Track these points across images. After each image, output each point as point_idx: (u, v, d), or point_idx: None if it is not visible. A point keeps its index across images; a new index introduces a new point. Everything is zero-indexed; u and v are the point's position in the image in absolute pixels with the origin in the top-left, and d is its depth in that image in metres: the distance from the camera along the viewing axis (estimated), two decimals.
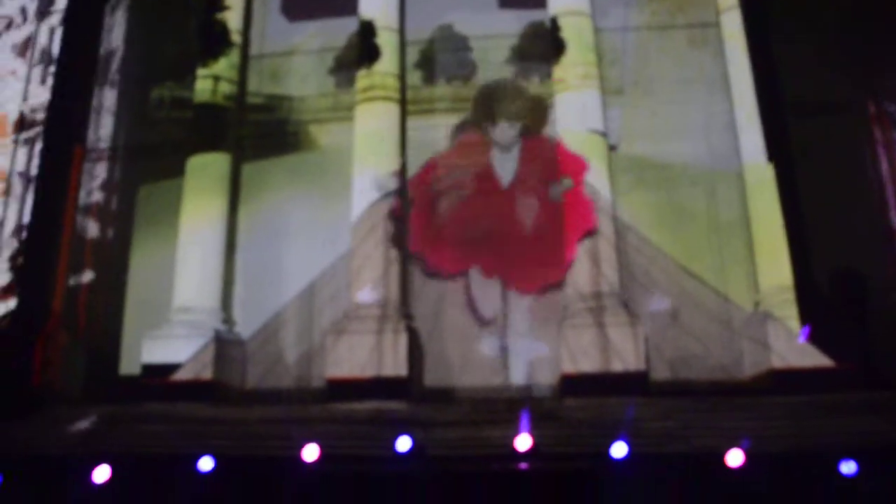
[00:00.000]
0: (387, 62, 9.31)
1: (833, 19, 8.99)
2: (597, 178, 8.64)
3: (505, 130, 9.47)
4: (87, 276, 9.54)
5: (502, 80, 9.73)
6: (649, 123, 9.26)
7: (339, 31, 10.04)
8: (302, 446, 6.32)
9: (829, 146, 8.62)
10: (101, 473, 6.18)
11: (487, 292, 8.90)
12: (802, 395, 7.22)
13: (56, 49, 10.07)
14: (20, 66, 10.18)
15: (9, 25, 10.27)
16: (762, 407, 7.23)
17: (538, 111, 9.51)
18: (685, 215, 8.89)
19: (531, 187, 9.24)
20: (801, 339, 7.55)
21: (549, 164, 9.07)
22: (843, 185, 8.50)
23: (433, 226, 9.21)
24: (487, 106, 9.61)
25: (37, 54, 10.27)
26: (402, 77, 9.44)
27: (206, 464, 6.29)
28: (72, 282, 9.35)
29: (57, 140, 9.59)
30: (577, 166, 8.72)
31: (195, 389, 8.07)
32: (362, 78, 9.28)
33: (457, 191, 9.33)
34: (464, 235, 9.09)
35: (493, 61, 9.82)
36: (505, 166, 9.41)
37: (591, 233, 8.39)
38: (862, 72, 8.93)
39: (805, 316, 7.77)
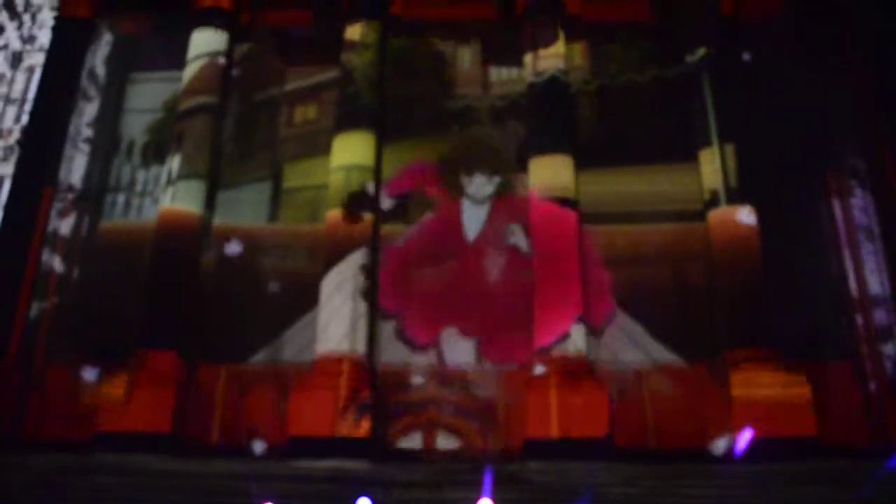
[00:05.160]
0: None
1: (794, 93, 9.38)
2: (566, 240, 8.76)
3: (480, 186, 9.51)
4: (49, 318, 9.33)
5: (484, 133, 9.77)
6: (621, 190, 9.38)
7: None
8: None
9: (791, 216, 8.92)
10: None
11: (459, 355, 8.70)
12: (762, 463, 7.27)
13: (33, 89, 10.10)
14: None
15: None
16: (723, 475, 7.26)
17: (514, 171, 9.52)
18: (654, 282, 8.94)
19: (497, 243, 9.16)
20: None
21: (520, 222, 9.11)
22: (804, 252, 8.76)
23: (404, 283, 9.07)
24: (466, 157, 9.60)
25: (14, 92, 10.28)
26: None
27: None
28: (31, 321, 9.14)
29: (27, 180, 9.53)
30: (558, 228, 8.78)
31: (153, 441, 7.83)
32: None
33: (423, 244, 9.23)
34: (436, 298, 8.94)
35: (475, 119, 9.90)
36: (473, 220, 9.40)
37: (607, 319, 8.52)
38: (823, 143, 9.27)
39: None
